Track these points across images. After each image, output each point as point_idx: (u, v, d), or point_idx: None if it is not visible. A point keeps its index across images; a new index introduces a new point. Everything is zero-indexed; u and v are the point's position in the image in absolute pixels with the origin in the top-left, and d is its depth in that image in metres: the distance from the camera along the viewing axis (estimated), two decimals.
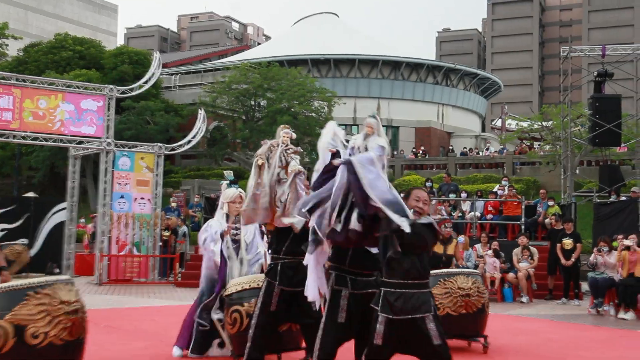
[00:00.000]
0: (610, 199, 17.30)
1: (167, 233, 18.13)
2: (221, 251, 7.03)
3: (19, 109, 16.21)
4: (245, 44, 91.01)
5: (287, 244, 5.93)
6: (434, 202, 16.77)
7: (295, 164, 5.94)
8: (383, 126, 5.26)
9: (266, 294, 5.90)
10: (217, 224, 7.24)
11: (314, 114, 34.77)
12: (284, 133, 6.18)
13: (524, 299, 13.93)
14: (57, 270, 17.57)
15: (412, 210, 4.65)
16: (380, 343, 4.54)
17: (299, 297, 5.61)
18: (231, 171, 7.86)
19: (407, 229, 4.44)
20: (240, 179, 30.96)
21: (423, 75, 53.38)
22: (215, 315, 6.93)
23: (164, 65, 46.24)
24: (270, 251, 6.24)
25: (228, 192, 7.37)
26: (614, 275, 12.35)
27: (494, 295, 14.02)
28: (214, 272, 7.11)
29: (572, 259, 13.75)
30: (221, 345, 7.11)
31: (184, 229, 19.24)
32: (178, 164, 37.63)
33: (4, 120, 16.08)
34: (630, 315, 11.85)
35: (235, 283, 6.66)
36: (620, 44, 21.94)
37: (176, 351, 7.28)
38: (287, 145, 6.13)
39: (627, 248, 12.08)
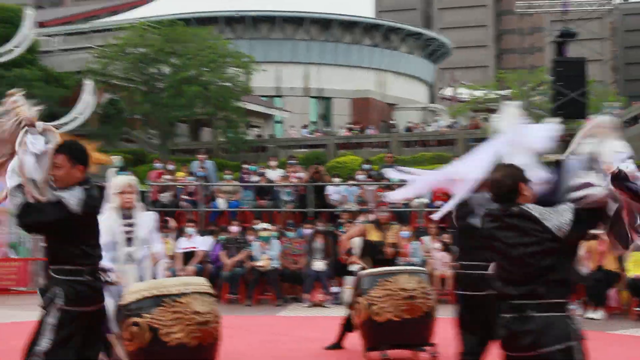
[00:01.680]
0: None
1: None
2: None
3: None
4: None
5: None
6: (373, 187, 16.98)
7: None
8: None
9: (60, 324, 5.02)
10: (105, 223, 7.13)
11: (228, 84, 34.55)
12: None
13: None
14: None
15: None
16: None
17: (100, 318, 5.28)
18: (119, 156, 7.77)
19: None
20: (141, 163, 30.60)
21: (359, 36, 53.73)
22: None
23: (42, 24, 45.02)
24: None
25: (117, 182, 7.30)
26: (581, 269, 12.78)
27: (446, 296, 14.31)
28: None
29: None
30: None
31: None
32: None
33: None
34: (600, 314, 12.32)
35: (132, 290, 6.60)
36: None
37: None
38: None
39: (595, 237, 12.50)
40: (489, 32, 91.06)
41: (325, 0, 55.53)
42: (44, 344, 4.89)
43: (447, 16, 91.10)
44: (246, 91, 36.21)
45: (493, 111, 36.91)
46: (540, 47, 23.54)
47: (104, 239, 7.00)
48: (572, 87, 19.87)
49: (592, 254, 12.60)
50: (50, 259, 5.10)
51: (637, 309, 12.46)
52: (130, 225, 7.20)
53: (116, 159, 6.69)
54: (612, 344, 10.04)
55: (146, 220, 7.38)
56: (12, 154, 4.96)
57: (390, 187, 18.00)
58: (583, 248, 12.73)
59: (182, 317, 6.37)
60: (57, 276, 5.02)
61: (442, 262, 14.58)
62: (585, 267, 12.70)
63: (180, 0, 58.26)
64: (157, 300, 6.42)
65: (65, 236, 5.02)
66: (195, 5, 51.33)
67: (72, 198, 4.90)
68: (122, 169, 6.67)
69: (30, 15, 18.14)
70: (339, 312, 9.53)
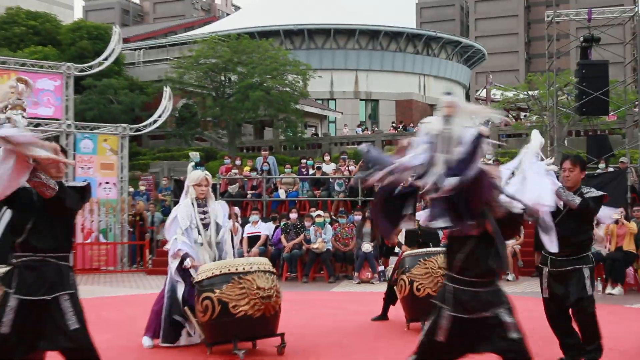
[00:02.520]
0: (598, 171, 17.54)
1: (137, 218, 18.18)
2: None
3: None
4: (213, 15, 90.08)
5: (25, 233, 4.77)
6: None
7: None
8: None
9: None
10: (183, 211, 7.32)
11: (288, 89, 34.67)
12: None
13: (510, 277, 14.16)
14: None
15: None
16: None
17: (52, 309, 4.51)
18: (197, 153, 7.90)
19: None
20: (212, 159, 30.95)
21: (403, 45, 53.38)
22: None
23: (127, 40, 45.80)
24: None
25: (193, 175, 7.46)
26: (601, 249, 12.60)
27: None
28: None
29: None
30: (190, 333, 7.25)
31: (159, 215, 19.19)
32: (146, 145, 37.43)
33: None
34: (618, 291, 12.13)
35: (205, 269, 6.75)
36: (608, 6, 22.11)
37: (146, 341, 7.38)
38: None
39: (615, 222, 12.33)
40: (520, 39, 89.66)
41: (373, 14, 55.32)
42: None
43: (482, 25, 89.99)
44: (303, 95, 36.31)
45: (524, 110, 36.39)
46: (566, 51, 23.23)
47: (182, 225, 7.24)
48: (595, 87, 19.50)
49: (612, 236, 12.41)
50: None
51: None
52: (205, 213, 7.36)
53: (194, 155, 6.79)
54: (628, 317, 9.91)
55: (220, 209, 7.53)
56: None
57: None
58: (604, 231, 12.56)
59: (247, 292, 6.50)
60: None
61: None
62: (606, 248, 12.52)
63: (245, 16, 58.70)
64: (226, 277, 6.57)
65: None
66: (258, 21, 51.62)
67: None
68: (199, 164, 6.79)
69: (117, 32, 18.46)
70: (385, 289, 9.56)
